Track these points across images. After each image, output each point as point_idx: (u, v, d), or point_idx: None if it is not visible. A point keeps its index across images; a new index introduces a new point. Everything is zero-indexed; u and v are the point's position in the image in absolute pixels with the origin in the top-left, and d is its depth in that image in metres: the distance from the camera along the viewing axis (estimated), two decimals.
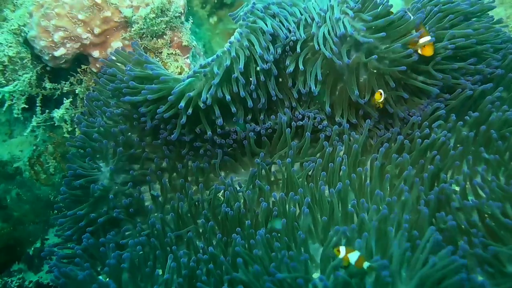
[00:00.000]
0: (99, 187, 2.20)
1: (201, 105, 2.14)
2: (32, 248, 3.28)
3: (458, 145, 2.09)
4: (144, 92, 2.19)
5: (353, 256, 1.56)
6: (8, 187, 3.36)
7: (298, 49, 2.26)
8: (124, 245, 2.09)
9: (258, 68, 2.22)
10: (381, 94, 2.14)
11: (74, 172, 2.26)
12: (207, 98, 2.11)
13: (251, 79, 2.21)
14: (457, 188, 1.90)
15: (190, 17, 2.89)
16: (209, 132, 2.25)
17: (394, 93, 2.22)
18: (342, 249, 1.58)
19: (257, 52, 2.15)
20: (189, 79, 2.18)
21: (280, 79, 2.43)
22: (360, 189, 2.03)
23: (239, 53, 2.15)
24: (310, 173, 2.15)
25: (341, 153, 2.19)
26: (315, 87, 2.27)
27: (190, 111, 2.15)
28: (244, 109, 2.31)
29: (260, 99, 2.29)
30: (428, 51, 2.03)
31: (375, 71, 2.21)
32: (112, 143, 2.28)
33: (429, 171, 1.95)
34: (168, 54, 2.78)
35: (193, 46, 2.90)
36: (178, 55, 2.84)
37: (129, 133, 2.38)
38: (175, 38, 2.78)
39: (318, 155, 2.31)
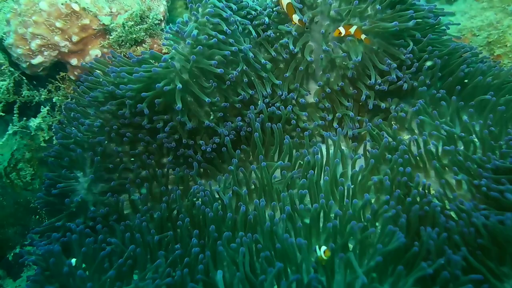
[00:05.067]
0: (78, 199, 2.17)
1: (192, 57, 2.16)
2: (12, 254, 3.21)
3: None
4: (141, 73, 2.16)
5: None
6: None
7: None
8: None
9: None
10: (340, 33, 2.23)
11: (50, 182, 2.23)
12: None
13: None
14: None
15: (171, 24, 2.88)
16: (207, 99, 2.22)
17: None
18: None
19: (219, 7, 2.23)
20: (173, 46, 2.24)
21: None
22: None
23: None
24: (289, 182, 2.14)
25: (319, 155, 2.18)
26: (294, 47, 2.40)
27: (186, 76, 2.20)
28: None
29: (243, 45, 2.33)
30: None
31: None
32: (90, 153, 2.25)
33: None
34: None
35: None
36: None
37: (107, 143, 2.33)
38: (155, 45, 2.78)
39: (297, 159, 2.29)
